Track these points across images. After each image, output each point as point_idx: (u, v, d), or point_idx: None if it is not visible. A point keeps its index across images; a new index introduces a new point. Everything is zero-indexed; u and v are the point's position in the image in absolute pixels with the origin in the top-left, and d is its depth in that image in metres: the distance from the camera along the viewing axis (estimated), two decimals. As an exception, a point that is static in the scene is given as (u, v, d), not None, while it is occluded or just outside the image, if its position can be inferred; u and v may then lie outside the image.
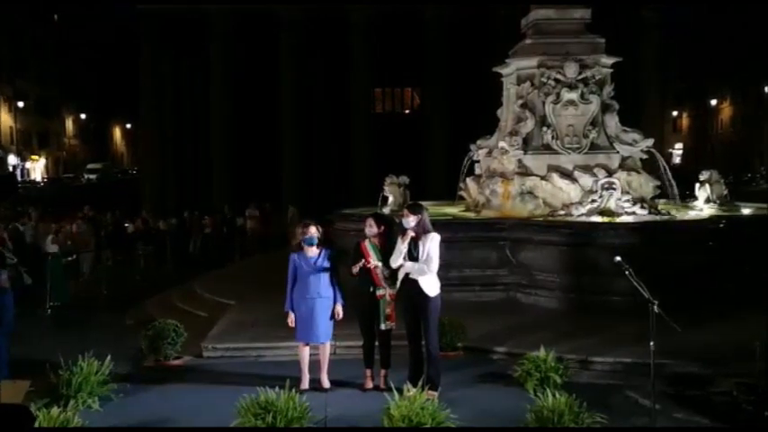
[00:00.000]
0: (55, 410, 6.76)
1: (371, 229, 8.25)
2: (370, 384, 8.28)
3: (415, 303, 7.88)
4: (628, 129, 14.08)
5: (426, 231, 7.86)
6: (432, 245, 7.81)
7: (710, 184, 14.45)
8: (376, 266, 8.10)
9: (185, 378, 9.05)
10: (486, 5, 35.47)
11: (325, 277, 8.30)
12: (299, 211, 25.10)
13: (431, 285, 7.84)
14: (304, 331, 8.31)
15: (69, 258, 17.61)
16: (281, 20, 37.18)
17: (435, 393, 7.47)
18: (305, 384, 8.21)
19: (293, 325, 8.35)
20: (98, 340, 10.65)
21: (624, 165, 13.63)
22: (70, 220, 21.14)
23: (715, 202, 14.26)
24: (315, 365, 8.41)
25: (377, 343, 8.31)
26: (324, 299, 8.28)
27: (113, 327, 12.85)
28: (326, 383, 8.32)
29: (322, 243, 8.46)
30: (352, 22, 37.11)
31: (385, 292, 8.11)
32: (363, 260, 8.10)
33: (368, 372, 8.33)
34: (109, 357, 8.34)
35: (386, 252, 8.07)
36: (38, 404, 7.12)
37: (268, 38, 37.91)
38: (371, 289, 8.12)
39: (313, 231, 8.35)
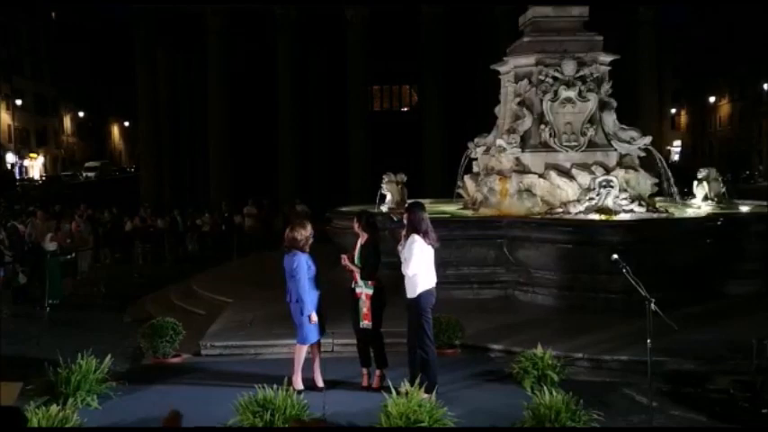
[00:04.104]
0: (54, 409, 6.76)
1: (354, 226, 8.35)
2: (366, 382, 8.27)
3: (406, 304, 7.93)
4: (626, 126, 14.05)
5: (416, 231, 7.83)
6: (409, 247, 7.78)
7: (708, 182, 14.43)
8: (347, 266, 8.15)
9: (184, 376, 9.04)
10: (483, 3, 35.43)
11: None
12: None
13: (410, 286, 7.83)
14: (313, 331, 8.15)
15: (68, 257, 17.61)
16: (278, 17, 37.12)
17: (428, 396, 7.21)
18: (299, 385, 8.06)
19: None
20: (97, 338, 10.70)
21: (622, 162, 13.62)
22: (69, 219, 21.14)
23: (713, 200, 14.24)
24: (306, 364, 8.30)
25: None
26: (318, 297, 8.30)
27: (112, 325, 12.89)
28: (321, 382, 8.24)
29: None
30: (349, 19, 37.05)
31: (361, 290, 8.14)
32: (346, 257, 8.19)
33: (364, 370, 8.32)
34: (108, 356, 8.35)
35: (364, 249, 8.12)
36: (36, 402, 7.12)
37: (265, 35, 37.87)
38: (352, 286, 8.21)
39: None
